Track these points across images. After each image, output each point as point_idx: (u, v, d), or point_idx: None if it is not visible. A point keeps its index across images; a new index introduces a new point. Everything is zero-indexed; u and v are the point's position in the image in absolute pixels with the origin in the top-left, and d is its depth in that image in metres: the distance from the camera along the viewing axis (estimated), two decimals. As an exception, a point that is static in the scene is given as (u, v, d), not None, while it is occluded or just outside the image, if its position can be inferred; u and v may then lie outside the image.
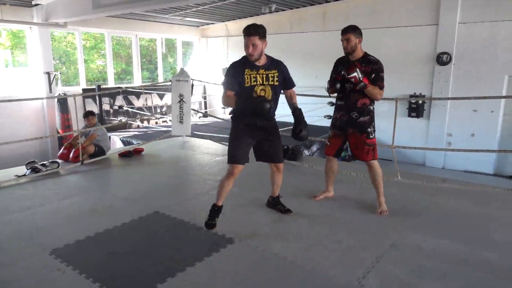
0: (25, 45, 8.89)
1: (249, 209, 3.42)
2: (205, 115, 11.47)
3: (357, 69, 2.99)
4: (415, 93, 8.47)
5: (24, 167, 4.55)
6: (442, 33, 8.03)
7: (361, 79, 2.99)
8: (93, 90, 9.43)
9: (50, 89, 8.71)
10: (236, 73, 2.81)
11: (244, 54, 2.85)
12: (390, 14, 8.69)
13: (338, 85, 3.14)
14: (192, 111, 5.96)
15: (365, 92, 3.07)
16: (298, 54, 9.96)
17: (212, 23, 11.79)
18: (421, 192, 3.87)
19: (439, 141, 8.19)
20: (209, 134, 7.64)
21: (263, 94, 2.82)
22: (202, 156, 5.52)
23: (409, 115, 8.49)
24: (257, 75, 2.81)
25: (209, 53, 12.42)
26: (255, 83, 2.81)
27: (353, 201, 3.67)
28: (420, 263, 2.55)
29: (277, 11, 9.76)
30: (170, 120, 9.98)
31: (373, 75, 3.06)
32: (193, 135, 6.52)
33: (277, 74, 2.86)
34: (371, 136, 3.26)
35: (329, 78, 3.27)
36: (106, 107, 9.84)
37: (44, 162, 4.64)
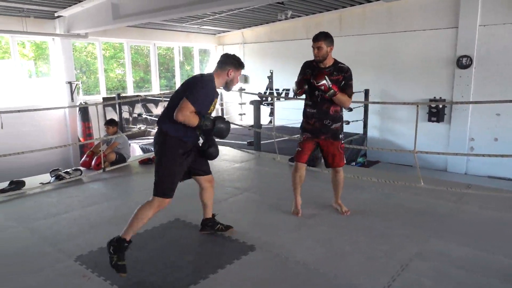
0: (48, 56, 9.15)
1: (270, 216, 3.41)
2: (222, 122, 11.53)
3: (326, 77, 2.96)
4: (434, 97, 8.31)
5: (48, 174, 4.66)
6: (462, 36, 7.88)
7: (331, 86, 2.96)
8: (113, 98, 9.61)
9: (72, 98, 8.92)
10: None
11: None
12: (408, 18, 8.59)
13: (306, 86, 3.08)
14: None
15: (334, 100, 3.03)
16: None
17: (228, 31, 11.90)
18: (445, 199, 3.79)
19: (461, 146, 8.00)
20: (226, 140, 7.67)
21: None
22: (220, 162, 5.54)
23: (429, 120, 8.33)
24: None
25: (225, 61, 12.51)
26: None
27: (375, 207, 3.62)
28: (446, 271, 2.49)
29: (292, 17, 9.77)
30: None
31: (343, 83, 3.04)
32: (211, 142, 6.55)
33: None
34: (342, 142, 3.31)
35: (296, 80, 3.21)
36: (125, 115, 10.01)
37: (68, 170, 4.74)
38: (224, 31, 11.97)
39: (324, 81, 2.94)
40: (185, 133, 2.53)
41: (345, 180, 4.35)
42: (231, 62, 2.63)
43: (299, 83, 3.14)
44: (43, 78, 9.40)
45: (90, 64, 10.58)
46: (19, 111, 5.16)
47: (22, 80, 8.63)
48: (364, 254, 2.72)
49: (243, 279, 2.46)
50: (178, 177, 2.57)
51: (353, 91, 3.15)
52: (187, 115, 2.41)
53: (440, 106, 8.20)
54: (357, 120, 8.73)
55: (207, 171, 2.90)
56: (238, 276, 2.49)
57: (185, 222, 3.34)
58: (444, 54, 8.19)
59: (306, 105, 3.24)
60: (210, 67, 12.76)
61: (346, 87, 3.04)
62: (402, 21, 8.65)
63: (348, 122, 8.73)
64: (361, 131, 8.84)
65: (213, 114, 2.74)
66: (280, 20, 9.62)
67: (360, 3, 8.94)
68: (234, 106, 12.03)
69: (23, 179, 4.40)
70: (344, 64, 3.11)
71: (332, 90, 2.95)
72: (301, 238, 3.00)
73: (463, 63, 7.88)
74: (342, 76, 3.04)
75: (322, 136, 3.20)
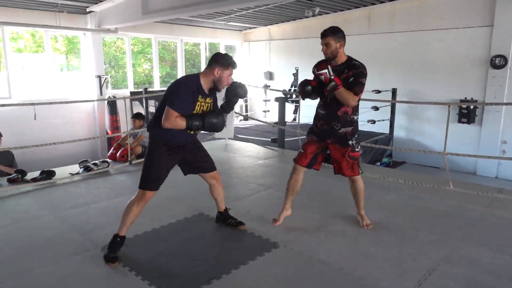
0: (79, 50, 9.40)
1: (293, 214, 3.38)
2: (246, 118, 11.56)
3: (329, 67, 2.70)
4: (465, 98, 8.04)
5: (77, 165, 4.79)
6: (497, 35, 7.57)
7: (332, 78, 2.68)
8: (140, 93, 9.79)
9: (101, 92, 9.15)
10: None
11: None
12: (439, 15, 8.33)
13: (309, 87, 2.86)
14: (234, 114, 6.02)
15: (336, 95, 2.74)
16: (341, 57, 9.77)
17: (254, 27, 11.89)
18: (475, 203, 3.66)
19: (493, 148, 7.71)
20: (250, 137, 7.68)
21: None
22: (244, 158, 5.56)
23: (459, 121, 8.07)
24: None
25: (251, 57, 12.53)
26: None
27: (401, 209, 3.54)
28: (475, 277, 2.41)
29: (320, 14, 9.65)
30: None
31: (352, 79, 2.75)
32: (235, 138, 6.58)
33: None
34: (356, 149, 2.94)
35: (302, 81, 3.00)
36: (151, 109, 10.19)
37: (96, 162, 4.87)
38: (250, 28, 11.97)
39: (325, 70, 2.69)
40: (172, 136, 2.59)
41: (371, 180, 4.30)
42: (218, 61, 2.56)
43: (302, 85, 2.91)
44: (73, 72, 9.68)
45: (118, 58, 10.81)
46: (51, 103, 5.31)
47: (54, 73, 8.91)
48: (390, 256, 2.66)
49: (265, 276, 2.46)
50: (160, 172, 2.61)
51: (363, 89, 2.80)
52: (172, 121, 2.45)
53: (471, 107, 7.93)
54: (383, 120, 8.57)
55: (210, 168, 2.90)
56: (261, 273, 2.49)
57: (209, 216, 3.36)
58: (477, 53, 7.90)
59: (318, 107, 3.01)
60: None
61: (354, 83, 2.73)
62: (434, 18, 8.40)
63: (374, 122, 8.58)
64: (387, 130, 8.67)
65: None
66: (307, 17, 9.53)
67: (391, 0, 8.74)
68: (258, 102, 12.03)
69: (53, 169, 4.55)
70: (358, 61, 2.82)
71: (333, 82, 2.67)
72: (325, 237, 2.97)
73: (496, 63, 7.58)
74: (352, 72, 2.75)
75: (328, 140, 2.94)
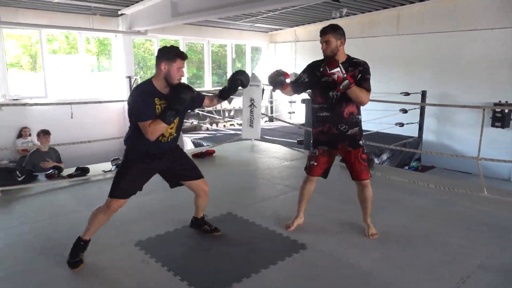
0: (110, 52, 9.69)
1: (321, 217, 3.38)
2: (271, 119, 11.58)
3: (340, 65, 2.55)
4: (500, 101, 7.78)
5: (109, 163, 4.95)
6: (534, 35, 7.31)
7: (345, 76, 2.54)
8: (167, 93, 9.98)
9: (130, 92, 9.40)
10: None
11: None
12: (472, 16, 8.10)
13: (282, 78, 2.82)
14: (260, 115, 6.06)
15: (350, 94, 2.59)
16: (369, 59, 9.55)
17: (280, 29, 11.91)
18: (511, 210, 3.54)
19: (528, 154, 7.44)
20: (276, 138, 7.70)
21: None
22: (270, 160, 5.58)
23: (493, 125, 7.82)
24: None
25: (277, 58, 12.55)
26: None
27: (433, 214, 3.47)
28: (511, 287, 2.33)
29: (347, 15, 9.58)
30: (238, 124, 10.23)
31: (359, 76, 2.63)
32: (261, 139, 6.62)
33: None
34: (365, 152, 2.83)
35: (295, 79, 2.92)
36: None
37: (127, 160, 5.00)
38: (276, 29, 12.00)
39: (338, 69, 2.52)
40: (145, 147, 2.48)
41: (399, 184, 4.23)
42: (163, 55, 2.37)
43: (294, 84, 2.89)
44: (104, 72, 9.98)
45: (147, 60, 11.07)
46: (86, 102, 5.51)
47: (86, 74, 9.22)
48: (421, 262, 2.62)
49: (294, 276, 2.47)
50: (131, 182, 2.53)
51: (370, 84, 2.67)
52: (152, 130, 2.34)
53: (506, 110, 7.67)
54: (412, 123, 8.39)
55: (194, 176, 2.78)
56: (289, 273, 2.50)
57: (237, 216, 3.41)
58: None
59: (316, 109, 2.82)
60: (261, 65, 12.85)
61: (362, 81, 2.62)
62: (466, 19, 8.17)
63: (402, 125, 8.42)
64: (415, 134, 8.49)
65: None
66: (334, 18, 9.46)
67: (421, 0, 8.56)
68: (284, 104, 12.03)
69: (87, 166, 4.72)
70: (359, 59, 2.72)
71: (346, 81, 2.53)
72: (355, 241, 2.94)
73: (534, 65, 7.30)
74: (358, 70, 2.64)
75: (339, 145, 2.80)
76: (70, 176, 4.39)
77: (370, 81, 2.67)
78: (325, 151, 2.86)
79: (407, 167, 7.72)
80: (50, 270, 2.53)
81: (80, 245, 2.56)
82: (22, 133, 8.03)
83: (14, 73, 8.51)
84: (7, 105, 7.22)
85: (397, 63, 9.47)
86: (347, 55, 2.73)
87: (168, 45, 3.17)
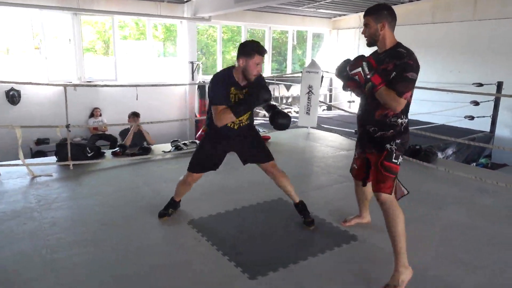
0: (175, 38, 10.06)
1: (373, 209, 3.27)
2: (329, 108, 11.34)
3: (364, 63, 2.09)
4: None
5: (169, 144, 5.19)
6: None
7: (368, 76, 2.09)
8: (227, 79, 10.18)
9: (193, 77, 9.72)
10: None
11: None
12: None
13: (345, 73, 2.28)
14: (318, 103, 5.96)
15: (377, 96, 2.14)
16: (439, 46, 9.02)
17: (344, 14, 11.52)
18: None
19: None
20: (333, 127, 7.54)
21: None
22: (326, 148, 5.49)
23: None
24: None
25: (339, 45, 12.19)
26: None
27: (502, 214, 3.20)
28: None
29: (418, 0, 8.99)
30: (294, 111, 10.16)
31: (394, 73, 2.10)
32: (318, 127, 6.52)
33: None
34: (393, 160, 2.22)
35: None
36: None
37: (185, 142, 5.22)
38: (340, 15, 11.63)
39: (359, 69, 2.10)
40: (216, 130, 2.68)
41: (464, 180, 3.97)
42: (241, 51, 2.49)
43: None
44: (169, 58, 10.40)
45: (209, 46, 11.34)
46: (150, 85, 5.81)
47: (152, 59, 9.68)
48: (485, 265, 2.44)
49: (341, 267, 2.43)
50: (203, 159, 2.83)
51: (412, 88, 2.12)
52: (220, 117, 2.52)
53: None
54: (484, 116, 7.75)
55: (264, 159, 2.82)
56: (337, 263, 2.47)
57: (287, 202, 3.40)
58: None
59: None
60: (322, 52, 12.58)
61: (396, 80, 2.08)
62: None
63: (472, 118, 7.81)
64: (487, 128, 7.83)
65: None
66: (403, 3, 8.94)
67: (503, -18, 7.78)
68: (343, 92, 11.70)
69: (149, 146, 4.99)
70: (405, 49, 2.16)
71: (370, 83, 2.10)
72: (410, 236, 2.79)
73: None
74: (393, 64, 2.10)
75: (366, 148, 2.41)
76: (133, 154, 4.68)
77: (413, 80, 2.09)
78: (360, 154, 2.55)
79: (474, 164, 7.17)
80: (114, 241, 2.73)
81: (171, 203, 3.06)
82: (93, 113, 8.70)
83: (89, 57, 9.19)
84: (79, 85, 7.81)
85: (471, 51, 8.74)
86: (397, 42, 2.23)
87: (231, 31, 3.30)
